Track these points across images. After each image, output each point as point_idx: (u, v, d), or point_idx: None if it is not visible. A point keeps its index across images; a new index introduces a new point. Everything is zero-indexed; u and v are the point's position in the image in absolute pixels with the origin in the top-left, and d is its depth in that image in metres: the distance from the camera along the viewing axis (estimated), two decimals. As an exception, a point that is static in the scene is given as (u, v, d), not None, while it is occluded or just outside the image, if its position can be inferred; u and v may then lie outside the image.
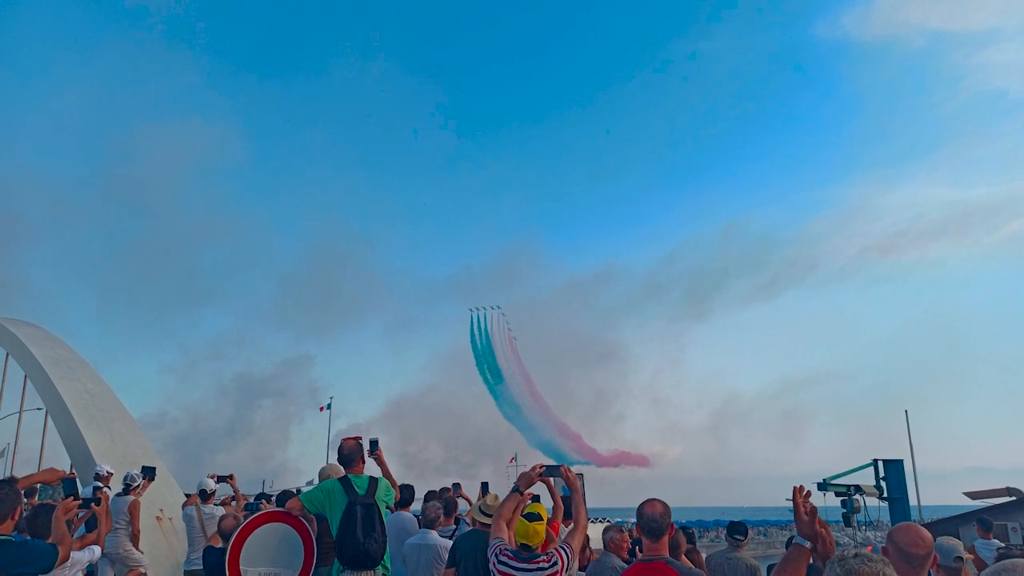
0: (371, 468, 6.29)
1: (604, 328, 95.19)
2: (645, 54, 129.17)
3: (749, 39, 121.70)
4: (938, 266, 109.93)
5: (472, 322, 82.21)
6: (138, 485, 10.17)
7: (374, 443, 6.62)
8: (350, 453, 6.09)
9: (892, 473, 22.77)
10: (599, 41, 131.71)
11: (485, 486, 8.93)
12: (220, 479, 10.80)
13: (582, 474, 25.06)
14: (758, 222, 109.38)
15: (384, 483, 6.08)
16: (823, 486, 23.94)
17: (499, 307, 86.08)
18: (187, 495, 11.97)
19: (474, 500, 8.52)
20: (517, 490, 4.82)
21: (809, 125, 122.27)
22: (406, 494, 8.01)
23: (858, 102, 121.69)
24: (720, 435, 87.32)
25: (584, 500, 5.07)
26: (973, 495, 25.25)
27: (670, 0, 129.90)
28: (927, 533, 3.07)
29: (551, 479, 5.03)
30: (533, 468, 4.90)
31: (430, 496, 8.16)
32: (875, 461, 23.23)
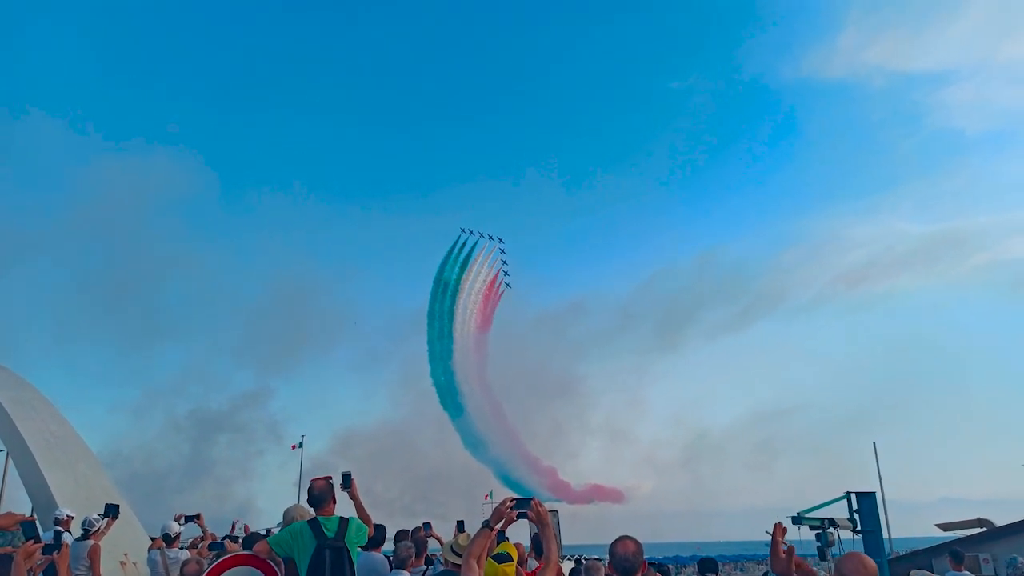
0: (344, 503, 6.17)
1: (576, 360, 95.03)
2: (621, 90, 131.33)
3: (720, 77, 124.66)
4: (906, 297, 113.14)
5: (431, 353, 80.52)
6: (98, 529, 9.84)
7: (347, 477, 6.45)
8: (320, 494, 5.92)
9: (865, 506, 22.85)
10: (575, 76, 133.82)
11: (461, 524, 8.80)
12: (188, 519, 10.53)
13: (556, 511, 24.81)
14: (730, 253, 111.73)
15: (355, 523, 5.94)
16: (797, 519, 23.94)
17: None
18: (152, 538, 11.63)
19: (448, 540, 8.39)
20: (487, 526, 4.75)
21: (779, 160, 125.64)
22: (377, 534, 7.85)
23: (824, 138, 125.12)
24: (694, 468, 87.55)
25: (557, 536, 5.01)
26: (945, 526, 25.43)
27: (644, 37, 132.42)
28: (870, 561, 3.10)
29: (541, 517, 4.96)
30: (503, 502, 4.82)
31: (401, 536, 8.03)
32: (848, 494, 23.32)
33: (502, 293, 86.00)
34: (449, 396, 79.00)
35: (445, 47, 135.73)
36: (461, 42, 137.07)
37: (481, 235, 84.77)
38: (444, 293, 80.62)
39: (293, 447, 51.77)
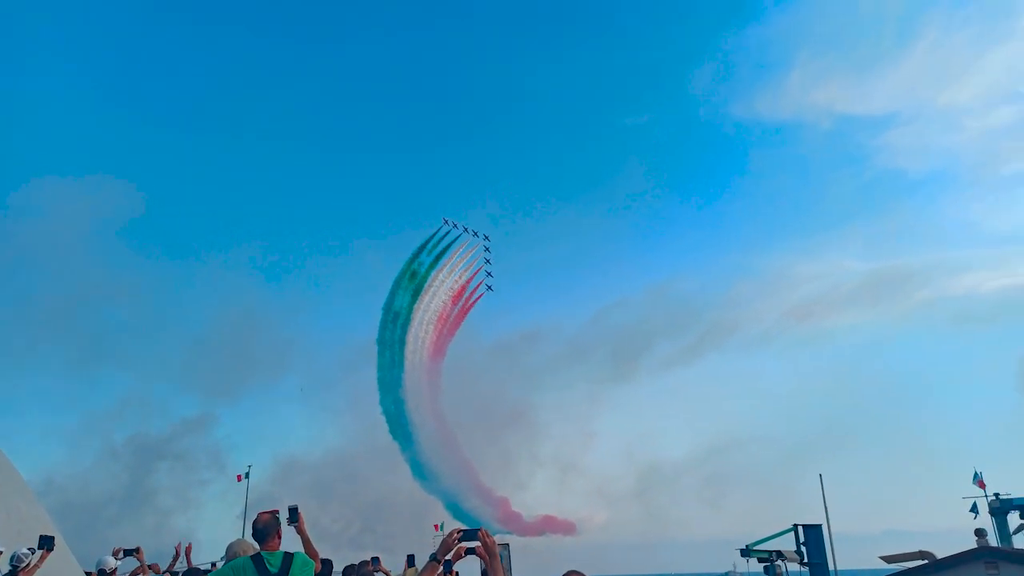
0: (291, 538, 6.02)
1: (530, 390, 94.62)
2: (577, 124, 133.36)
3: (674, 114, 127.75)
4: (852, 332, 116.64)
5: (380, 381, 78.62)
6: (27, 564, 9.41)
7: (293, 511, 6.29)
8: (265, 528, 5.76)
9: (812, 538, 23.23)
10: (533, 110, 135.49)
11: (411, 559, 8.69)
12: (127, 552, 10.15)
13: (507, 544, 24.57)
14: (683, 287, 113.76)
15: (300, 558, 5.78)
16: (746, 552, 24.22)
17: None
18: (87, 573, 11.17)
19: (396, 574, 8.26)
20: (435, 559, 4.71)
21: (730, 197, 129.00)
22: (324, 569, 7.69)
23: (774, 177, 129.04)
24: (646, 500, 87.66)
25: (507, 572, 4.98)
26: (889, 559, 25.87)
27: (601, 74, 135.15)
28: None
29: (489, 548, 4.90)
30: (450, 534, 4.77)
31: (348, 571, 7.87)
32: (795, 526, 23.71)
33: (480, 296, 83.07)
34: (399, 425, 77.17)
35: (401, 82, 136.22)
36: (416, 78, 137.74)
37: (465, 229, 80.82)
38: (395, 322, 78.80)
39: (239, 478, 50.15)
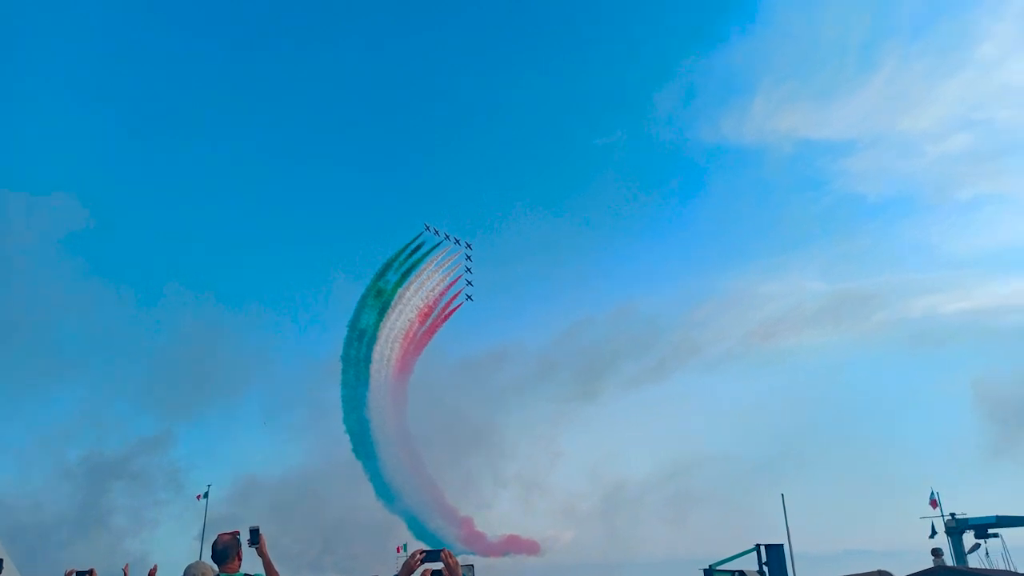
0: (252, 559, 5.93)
1: (496, 409, 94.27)
2: (546, 144, 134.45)
3: (642, 136, 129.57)
4: (813, 352, 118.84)
5: (344, 399, 77.27)
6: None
7: (255, 533, 6.19)
8: (225, 549, 5.68)
9: (774, 558, 23.51)
10: (502, 131, 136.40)
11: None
12: (80, 574, 9.91)
13: (472, 565, 24.37)
14: (647, 306, 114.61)
15: (260, 580, 5.75)
16: (709, 572, 24.38)
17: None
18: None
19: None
20: (398, 581, 4.68)
21: (695, 218, 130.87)
22: (284, 591, 7.58)
23: (738, 199, 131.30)
24: (611, 520, 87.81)
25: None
26: (848, 578, 26.22)
27: (570, 93, 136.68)
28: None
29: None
30: (413, 555, 4.74)
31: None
32: (758, 546, 23.97)
33: (459, 306, 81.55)
34: (363, 444, 75.96)
35: (368, 98, 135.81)
36: (383, 93, 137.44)
37: (447, 236, 78.76)
38: (361, 339, 77.44)
39: (198, 497, 49.13)
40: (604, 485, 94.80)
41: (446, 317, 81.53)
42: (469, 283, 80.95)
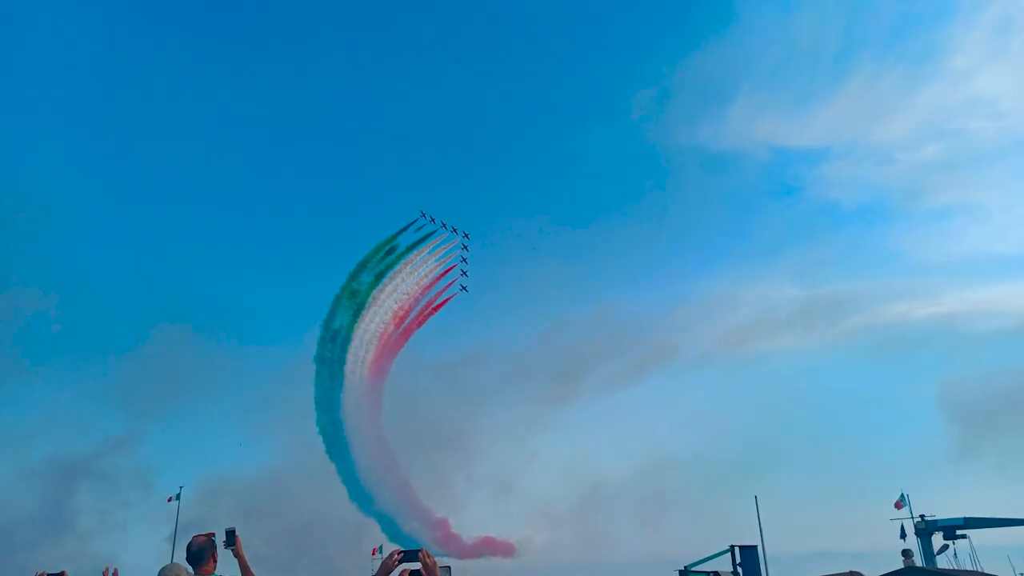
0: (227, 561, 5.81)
1: (473, 410, 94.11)
2: (527, 145, 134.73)
3: (622, 140, 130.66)
4: (787, 356, 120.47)
5: (317, 401, 76.82)
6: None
7: (231, 534, 6.08)
8: (199, 551, 5.56)
9: (748, 559, 23.69)
10: (482, 134, 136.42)
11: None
12: (49, 577, 9.65)
13: (449, 567, 24.27)
14: (625, 308, 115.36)
15: (236, 582, 5.64)
16: (684, 573, 24.50)
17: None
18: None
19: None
20: (377, 582, 4.62)
21: (672, 222, 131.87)
22: (259, 594, 7.44)
23: (715, 204, 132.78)
24: (586, 521, 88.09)
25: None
26: (820, 579, 26.49)
27: (548, 98, 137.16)
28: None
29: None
30: (390, 555, 4.68)
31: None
32: (732, 547, 24.13)
33: (452, 296, 79.90)
34: (336, 445, 75.06)
35: (345, 110, 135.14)
36: (358, 102, 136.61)
37: (443, 225, 76.84)
38: (335, 340, 75.76)
39: (170, 499, 48.40)
40: (580, 486, 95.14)
41: (437, 307, 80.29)
42: (464, 273, 79.36)
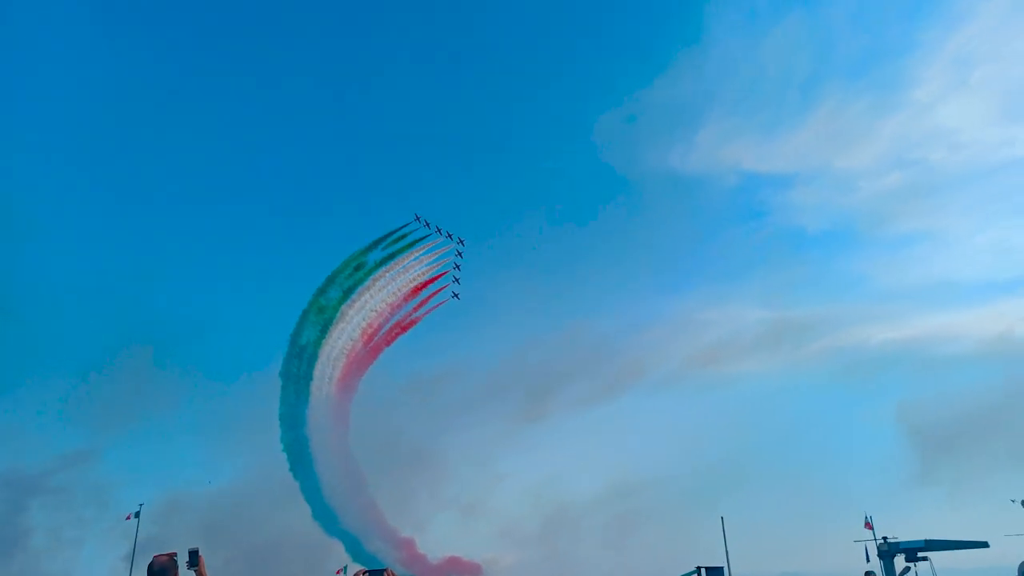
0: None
1: (441, 429, 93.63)
2: (499, 164, 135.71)
3: (590, 161, 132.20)
4: (753, 378, 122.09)
5: (282, 417, 76.20)
6: None
7: (194, 555, 5.91)
8: (162, 571, 5.38)
9: (714, 580, 23.74)
10: (453, 154, 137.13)
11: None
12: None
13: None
14: (596, 328, 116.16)
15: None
16: (651, 595, 24.49)
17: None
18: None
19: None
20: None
21: (641, 242, 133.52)
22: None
23: (683, 226, 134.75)
24: (553, 542, 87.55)
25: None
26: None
27: (517, 117, 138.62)
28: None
29: None
30: (356, 575, 4.59)
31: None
32: (698, 569, 24.17)
33: (443, 302, 78.48)
34: (301, 463, 73.57)
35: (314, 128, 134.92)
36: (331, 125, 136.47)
37: (438, 230, 74.80)
38: (301, 357, 75.09)
39: (129, 517, 47.16)
40: (548, 507, 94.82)
41: (429, 310, 79.21)
42: (456, 280, 77.69)
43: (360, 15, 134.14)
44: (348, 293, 75.75)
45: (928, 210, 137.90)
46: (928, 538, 36.50)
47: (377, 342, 78.28)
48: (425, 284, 77.74)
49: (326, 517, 73.39)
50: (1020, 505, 61.29)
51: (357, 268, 75.93)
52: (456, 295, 78.34)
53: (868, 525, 38.50)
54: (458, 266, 77.55)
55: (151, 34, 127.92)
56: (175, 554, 5.67)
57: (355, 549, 72.61)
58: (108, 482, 78.23)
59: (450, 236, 76.53)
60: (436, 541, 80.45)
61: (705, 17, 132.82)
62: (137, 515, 46.88)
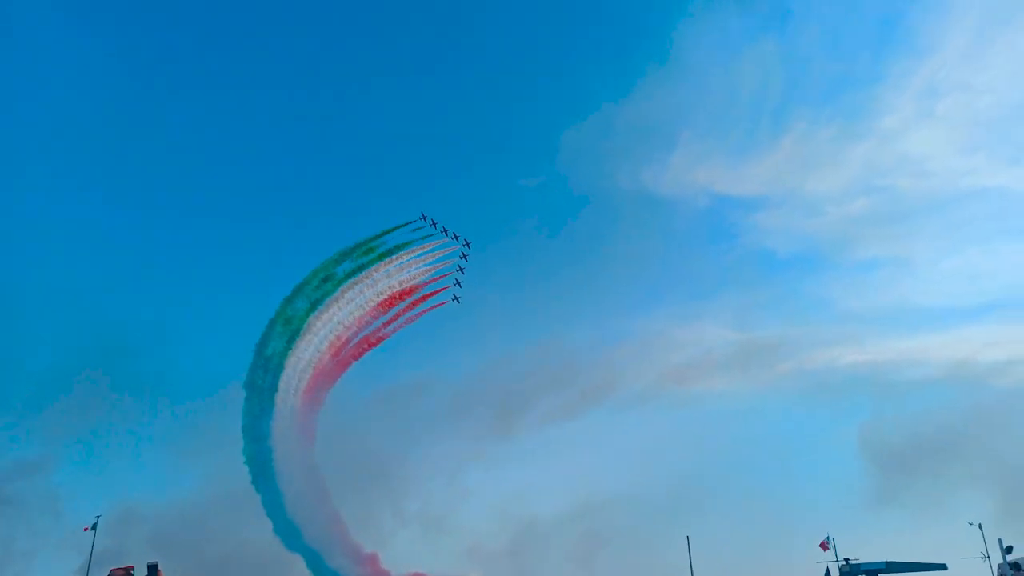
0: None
1: (408, 443, 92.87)
2: (475, 181, 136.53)
3: (565, 180, 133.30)
4: (722, 397, 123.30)
5: (245, 429, 72.01)
6: None
7: (153, 569, 5.71)
8: (118, 586, 5.17)
9: (680, 600, 23.67)
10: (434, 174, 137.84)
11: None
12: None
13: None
14: (566, 344, 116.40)
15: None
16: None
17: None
18: None
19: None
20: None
21: (611, 261, 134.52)
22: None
23: (655, 246, 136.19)
24: (520, 559, 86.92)
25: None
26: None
27: (491, 134, 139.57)
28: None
29: None
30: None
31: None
32: (665, 588, 24.10)
33: (442, 303, 77.17)
34: (263, 476, 71.77)
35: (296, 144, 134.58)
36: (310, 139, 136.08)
37: (444, 231, 73.49)
38: (266, 369, 73.21)
39: (86, 529, 45.52)
40: (514, 523, 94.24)
41: (425, 310, 77.95)
42: (458, 283, 76.00)
43: (335, 23, 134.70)
44: (314, 306, 74.88)
45: (894, 236, 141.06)
46: (889, 560, 36.93)
47: (345, 356, 77.39)
48: (420, 286, 76.48)
49: (288, 532, 71.67)
50: (978, 528, 62.60)
51: (325, 279, 75.30)
52: (457, 298, 76.79)
53: (824, 546, 38.78)
54: (462, 269, 75.76)
55: (130, 34, 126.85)
56: (132, 568, 5.43)
57: (317, 565, 71.19)
58: (62, 492, 75.85)
59: (456, 237, 74.87)
60: (401, 557, 79.32)
61: (675, 35, 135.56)
62: (94, 527, 45.32)
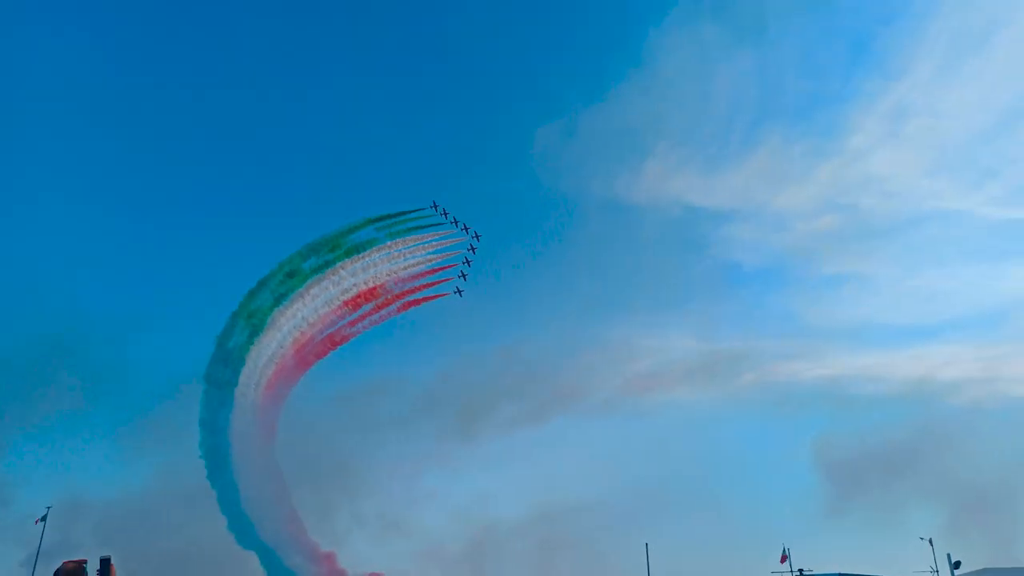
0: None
1: (371, 442, 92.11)
2: (451, 182, 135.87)
3: (540, 186, 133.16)
4: (685, 407, 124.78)
5: (202, 422, 70.47)
6: None
7: (105, 563, 5.45)
8: (69, 579, 4.95)
9: (638, 607, 23.71)
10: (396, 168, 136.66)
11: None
12: None
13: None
14: (531, 350, 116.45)
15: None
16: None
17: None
18: None
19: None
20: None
21: (583, 269, 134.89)
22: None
23: (625, 255, 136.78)
24: (478, 563, 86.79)
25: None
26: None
27: (462, 135, 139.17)
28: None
29: None
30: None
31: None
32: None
33: (443, 295, 75.87)
34: (220, 470, 70.41)
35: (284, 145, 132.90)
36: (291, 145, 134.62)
37: (455, 221, 71.91)
38: (227, 361, 70.73)
39: (37, 521, 44.37)
40: (474, 527, 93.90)
41: (425, 299, 76.83)
42: (463, 276, 74.62)
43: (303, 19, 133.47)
44: (279, 301, 73.87)
45: (857, 254, 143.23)
46: (841, 571, 37.62)
47: (308, 354, 76.57)
48: (424, 274, 75.24)
49: (242, 528, 70.32)
50: (928, 543, 64.25)
51: (289, 275, 74.41)
52: (460, 291, 75.21)
53: (783, 558, 39.40)
54: (468, 261, 74.22)
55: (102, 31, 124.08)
56: (85, 561, 5.20)
57: (271, 562, 70.06)
58: (5, 481, 73.39)
59: (466, 228, 73.44)
60: (358, 557, 78.54)
61: (648, 39, 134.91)
62: (44, 519, 44.19)
